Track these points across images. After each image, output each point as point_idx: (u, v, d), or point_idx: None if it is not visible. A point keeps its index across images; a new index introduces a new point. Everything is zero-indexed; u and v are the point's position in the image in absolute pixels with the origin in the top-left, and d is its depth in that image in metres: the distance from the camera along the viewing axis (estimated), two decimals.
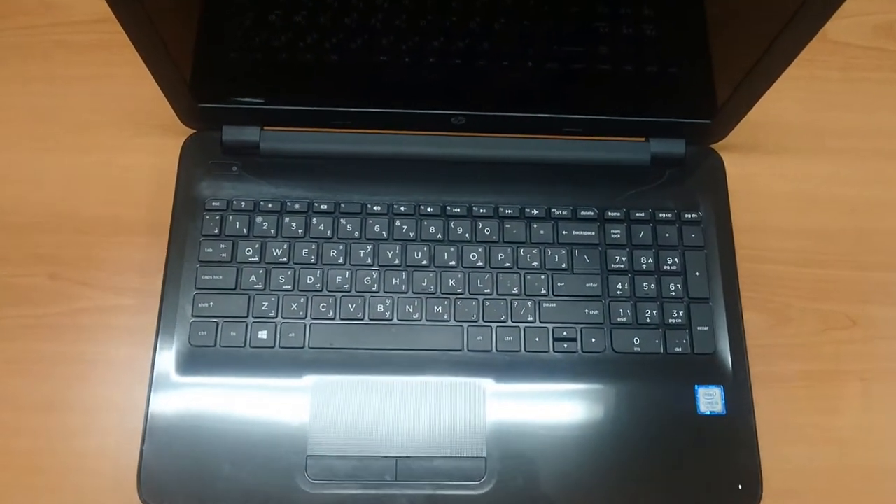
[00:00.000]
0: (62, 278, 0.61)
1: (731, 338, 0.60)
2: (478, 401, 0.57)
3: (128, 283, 0.61)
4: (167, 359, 0.57)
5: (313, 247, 0.61)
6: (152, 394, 0.56)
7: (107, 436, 0.57)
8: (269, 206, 0.62)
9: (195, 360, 0.57)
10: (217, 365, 0.57)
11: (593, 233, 0.62)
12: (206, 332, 0.58)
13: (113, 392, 0.58)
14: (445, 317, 0.59)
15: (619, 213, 0.63)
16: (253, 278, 0.59)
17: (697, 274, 0.62)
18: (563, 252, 0.62)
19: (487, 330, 0.59)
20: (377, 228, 0.61)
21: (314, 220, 0.61)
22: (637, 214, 0.63)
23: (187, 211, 0.61)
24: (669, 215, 0.63)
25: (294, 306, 0.59)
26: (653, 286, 0.61)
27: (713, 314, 0.60)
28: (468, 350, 0.59)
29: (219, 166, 0.63)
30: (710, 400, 0.58)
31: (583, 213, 0.63)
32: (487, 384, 0.58)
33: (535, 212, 0.63)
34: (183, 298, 0.59)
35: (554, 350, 0.59)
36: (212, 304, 0.59)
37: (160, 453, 0.55)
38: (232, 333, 0.58)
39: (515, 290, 0.60)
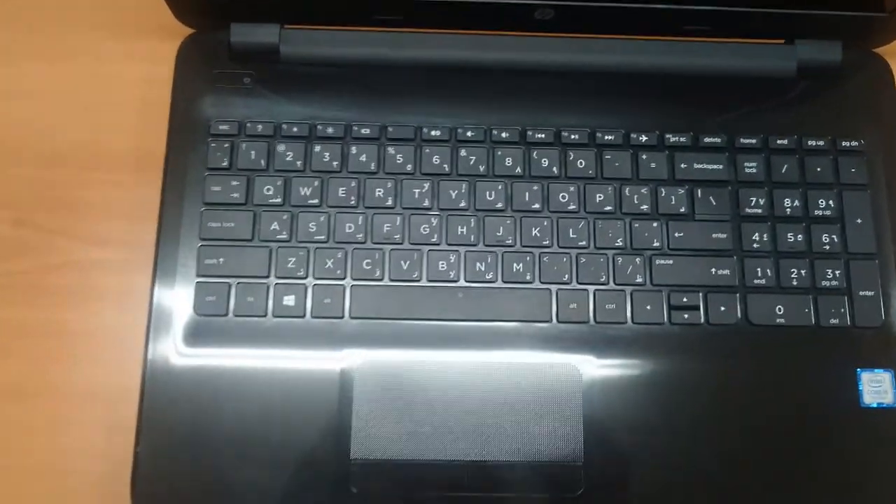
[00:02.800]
0: (28, 225, 0.47)
1: None
2: (572, 389, 0.44)
3: (113, 232, 0.47)
4: (166, 332, 0.44)
5: (353, 184, 0.46)
6: (148, 378, 0.43)
7: (91, 432, 0.44)
8: (294, 129, 0.47)
9: (202, 334, 0.44)
10: (230, 340, 0.44)
11: (721, 166, 0.47)
12: (215, 297, 0.44)
13: (98, 374, 0.45)
14: (528, 277, 0.45)
15: (755, 140, 0.47)
16: (275, 226, 0.45)
17: (859, 221, 0.47)
18: (682, 192, 0.47)
19: (583, 294, 0.45)
20: (436, 160, 0.47)
21: (353, 149, 0.47)
22: (779, 142, 0.47)
23: (187, 137, 0.47)
24: (822, 143, 0.48)
25: (330, 263, 0.45)
26: (800, 237, 0.46)
27: (881, 275, 0.46)
28: (558, 321, 0.45)
29: (227, 77, 0.48)
30: (877, 388, 0.44)
31: (707, 139, 0.48)
32: (585, 366, 0.44)
33: (643, 138, 0.47)
34: (184, 252, 0.45)
35: (671, 321, 0.45)
36: (222, 259, 0.45)
37: (160, 456, 0.42)
38: (249, 299, 0.44)
39: (619, 242, 0.46)
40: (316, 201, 0.46)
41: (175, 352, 0.43)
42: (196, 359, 0.43)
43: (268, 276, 0.45)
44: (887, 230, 0.46)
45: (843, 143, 0.48)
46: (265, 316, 0.44)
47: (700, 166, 0.47)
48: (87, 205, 0.47)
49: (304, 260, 0.45)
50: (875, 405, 0.44)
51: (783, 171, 0.47)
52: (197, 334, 0.44)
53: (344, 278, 0.45)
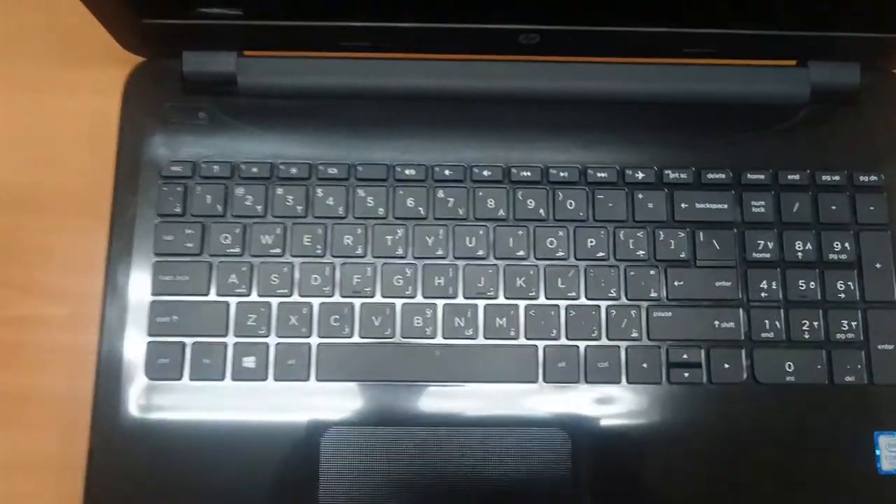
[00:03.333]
0: None
1: None
2: (560, 457, 0.40)
3: (56, 284, 0.43)
4: (114, 398, 0.40)
5: (319, 231, 0.42)
6: (94, 450, 0.39)
7: None
8: (254, 170, 0.42)
9: (154, 400, 0.40)
10: (185, 407, 0.40)
11: (725, 205, 0.43)
12: (168, 360, 0.40)
13: (41, 445, 0.41)
14: (512, 332, 0.41)
15: (763, 176, 0.43)
16: (233, 278, 0.41)
17: (879, 266, 0.42)
18: (682, 235, 0.42)
19: (573, 351, 0.41)
20: (411, 202, 0.42)
21: (319, 192, 0.42)
22: (790, 177, 0.43)
23: (136, 179, 0.42)
24: (837, 178, 0.43)
25: (293, 319, 0.41)
26: (813, 285, 0.42)
27: None
28: (545, 381, 0.41)
29: (179, 111, 0.43)
30: None
31: (710, 175, 0.43)
32: (574, 431, 0.40)
33: (640, 175, 0.43)
34: (133, 308, 0.41)
35: (669, 380, 0.41)
36: (175, 317, 0.41)
37: None
38: (205, 360, 0.40)
39: (613, 293, 0.41)
40: (278, 250, 0.41)
41: (124, 420, 0.39)
42: (148, 428, 0.39)
43: (225, 335, 0.41)
44: None
45: (861, 178, 0.43)
46: (223, 379, 0.40)
47: (702, 206, 0.43)
48: (26, 252, 0.43)
49: (265, 316, 0.41)
50: (894, 472, 0.40)
51: (794, 210, 0.43)
52: (149, 401, 0.40)
53: (309, 336, 0.41)
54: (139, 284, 0.41)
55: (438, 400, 0.40)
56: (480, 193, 0.42)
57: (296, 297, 0.41)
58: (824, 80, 0.44)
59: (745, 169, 0.43)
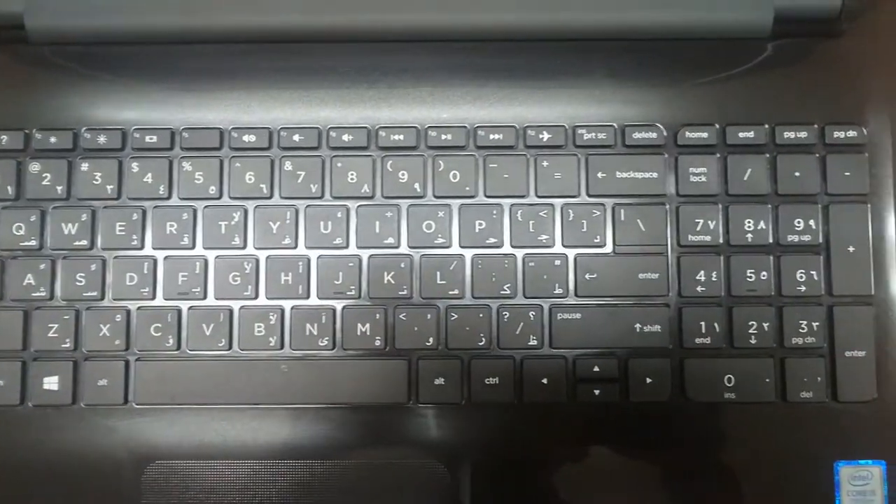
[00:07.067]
0: None
1: None
2: (436, 493, 0.32)
3: None
4: None
5: (134, 216, 0.33)
6: None
7: None
8: (52, 140, 0.33)
9: None
10: None
11: (655, 174, 0.33)
12: None
13: None
14: (377, 342, 0.32)
15: (705, 135, 0.33)
16: (29, 279, 0.33)
17: (852, 250, 0.33)
18: (598, 213, 0.33)
19: (454, 364, 0.32)
20: (250, 177, 0.33)
21: (134, 166, 0.33)
22: (742, 135, 0.33)
23: None
24: (804, 134, 0.33)
25: (105, 330, 0.33)
26: (765, 276, 0.33)
27: (876, 328, 0.32)
28: (418, 402, 0.32)
29: None
30: (860, 487, 0.32)
31: (637, 135, 0.33)
32: (453, 463, 0.32)
33: (544, 135, 0.33)
34: None
35: (575, 398, 0.32)
36: None
37: None
38: None
39: (507, 289, 0.33)
40: (84, 242, 0.33)
41: None
42: None
43: (22, 350, 0.33)
44: (893, 262, 0.33)
45: (836, 134, 0.33)
46: (20, 404, 0.33)
47: (625, 175, 0.33)
48: None
49: (69, 326, 0.33)
50: None
51: (745, 178, 0.33)
52: None
53: (125, 350, 0.33)
54: None
55: (284, 426, 0.32)
56: (339, 164, 0.33)
57: (108, 302, 0.33)
58: (791, 5, 0.33)
59: (683, 125, 0.33)
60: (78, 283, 0.33)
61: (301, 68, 0.34)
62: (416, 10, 0.33)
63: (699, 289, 0.32)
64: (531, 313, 0.32)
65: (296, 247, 0.33)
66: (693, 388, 0.32)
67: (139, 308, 0.33)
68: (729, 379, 0.32)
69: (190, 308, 0.33)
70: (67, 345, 0.33)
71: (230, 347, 0.33)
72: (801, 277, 0.32)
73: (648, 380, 0.32)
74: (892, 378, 0.32)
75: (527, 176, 0.33)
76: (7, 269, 0.33)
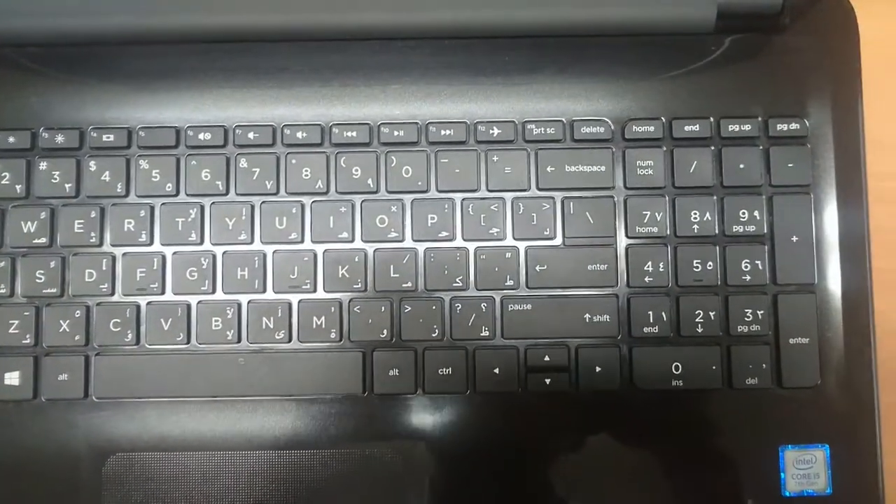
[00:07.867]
0: None
1: (850, 358, 0.33)
2: (391, 484, 0.33)
3: None
4: None
5: (92, 214, 0.34)
6: None
7: None
8: (11, 140, 0.34)
9: None
10: None
11: (603, 167, 0.34)
12: None
13: None
14: (333, 334, 0.33)
15: (651, 128, 0.34)
16: None
17: (795, 240, 0.33)
18: (547, 206, 0.34)
19: (408, 356, 0.33)
20: (206, 175, 0.34)
21: (91, 164, 0.34)
22: (687, 128, 0.34)
23: None
24: (748, 127, 0.34)
25: (65, 325, 0.33)
26: (711, 265, 0.33)
27: (819, 315, 0.33)
28: (373, 392, 0.33)
29: None
30: (804, 471, 0.33)
31: (585, 129, 0.34)
32: (408, 453, 0.33)
33: (494, 130, 0.34)
34: None
35: (527, 387, 0.33)
36: None
37: None
38: None
39: (459, 281, 0.33)
40: (43, 240, 0.34)
41: None
42: None
43: None
44: (834, 251, 0.33)
45: (780, 127, 0.34)
46: None
47: (574, 169, 0.34)
48: None
49: (30, 322, 0.33)
50: (803, 494, 0.33)
51: (691, 170, 0.34)
52: None
53: (85, 345, 0.33)
54: None
55: (241, 418, 0.33)
56: (294, 161, 0.34)
57: (67, 298, 0.33)
58: (734, 1, 0.34)
59: (630, 120, 0.34)
60: (38, 280, 0.33)
61: (255, 67, 0.34)
62: (368, 9, 0.34)
63: (647, 279, 0.33)
64: (483, 305, 0.33)
65: (252, 242, 0.34)
66: (642, 377, 0.33)
67: (98, 304, 0.33)
68: (676, 367, 0.33)
69: (148, 303, 0.33)
70: (28, 340, 0.33)
71: (188, 342, 0.33)
72: (747, 267, 0.33)
73: (598, 369, 0.33)
74: (834, 364, 0.33)
75: (477, 170, 0.34)
76: None
